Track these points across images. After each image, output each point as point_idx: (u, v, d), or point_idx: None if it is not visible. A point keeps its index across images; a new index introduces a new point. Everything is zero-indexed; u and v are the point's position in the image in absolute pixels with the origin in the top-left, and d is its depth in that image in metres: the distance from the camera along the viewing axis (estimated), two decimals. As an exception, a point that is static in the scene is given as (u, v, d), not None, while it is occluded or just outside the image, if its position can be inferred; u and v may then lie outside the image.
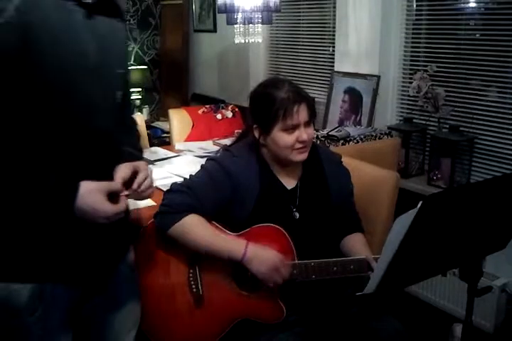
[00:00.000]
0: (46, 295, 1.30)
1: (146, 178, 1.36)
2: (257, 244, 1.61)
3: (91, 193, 1.22)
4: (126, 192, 1.31)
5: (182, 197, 1.66)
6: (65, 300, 1.35)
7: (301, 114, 1.64)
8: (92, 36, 1.25)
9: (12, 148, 1.19)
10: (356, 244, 1.79)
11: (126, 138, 1.47)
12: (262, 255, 1.59)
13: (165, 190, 1.74)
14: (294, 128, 1.64)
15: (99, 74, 1.28)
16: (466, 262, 1.32)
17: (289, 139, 1.65)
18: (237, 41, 3.05)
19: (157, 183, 2.39)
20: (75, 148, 1.27)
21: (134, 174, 1.35)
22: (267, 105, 1.66)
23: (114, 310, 1.51)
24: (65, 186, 1.22)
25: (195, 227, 1.63)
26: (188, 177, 1.76)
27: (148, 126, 4.50)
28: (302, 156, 1.69)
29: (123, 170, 1.32)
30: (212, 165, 1.74)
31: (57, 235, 1.27)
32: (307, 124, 1.67)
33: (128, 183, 1.33)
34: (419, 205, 1.03)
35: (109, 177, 1.30)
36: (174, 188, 1.70)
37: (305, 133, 1.65)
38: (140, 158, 1.48)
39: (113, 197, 1.27)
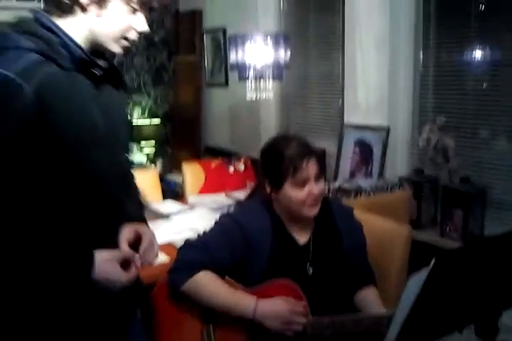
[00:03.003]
0: None
1: (149, 244, 1.37)
2: (269, 299, 1.60)
3: (105, 263, 1.23)
4: (138, 261, 1.32)
5: (195, 253, 1.67)
6: None
7: (311, 168, 1.67)
8: (98, 105, 1.30)
9: (27, 223, 1.20)
10: (369, 298, 1.78)
11: (130, 198, 1.48)
12: (273, 310, 1.57)
13: (178, 245, 1.76)
14: (305, 183, 1.67)
15: (107, 143, 1.31)
16: (482, 318, 1.31)
17: (301, 195, 1.67)
18: (249, 97, 3.12)
19: (170, 238, 2.41)
20: (86, 216, 1.28)
21: (137, 237, 1.36)
22: (277, 162, 1.69)
23: None
24: (80, 259, 1.23)
25: (207, 284, 1.63)
26: (201, 231, 1.78)
27: (161, 179, 4.54)
28: (314, 211, 1.71)
29: (126, 234, 1.33)
30: (225, 220, 1.76)
31: (72, 305, 1.27)
32: (317, 178, 1.69)
33: (131, 247, 1.34)
34: (431, 263, 1.03)
35: (114, 240, 1.31)
36: (187, 244, 1.72)
37: (316, 188, 1.68)
38: (142, 216, 1.50)
39: (125, 263, 1.29)
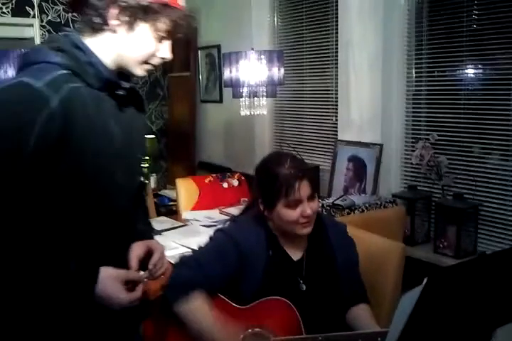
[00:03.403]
0: None
1: (160, 258, 1.41)
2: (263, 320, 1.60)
3: (109, 281, 1.26)
4: (145, 279, 1.35)
5: (189, 272, 1.67)
6: None
7: (303, 189, 1.67)
8: (117, 122, 1.34)
9: (35, 233, 1.23)
10: (362, 316, 1.78)
11: (139, 216, 1.53)
12: None
13: (172, 261, 1.76)
14: (297, 203, 1.68)
15: (123, 158, 1.35)
16: (475, 335, 1.31)
17: (293, 214, 1.68)
18: (242, 114, 3.14)
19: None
20: (95, 229, 1.32)
21: (148, 253, 1.39)
22: (270, 181, 1.70)
23: None
24: (85, 273, 1.25)
25: (195, 311, 1.62)
26: (195, 247, 1.78)
27: (155, 194, 4.54)
28: (307, 230, 1.72)
29: (137, 250, 1.37)
30: (219, 236, 1.76)
31: (73, 318, 1.29)
32: (310, 198, 1.70)
33: (142, 262, 1.37)
34: (424, 282, 1.03)
35: (124, 255, 1.34)
36: (182, 262, 1.72)
37: (309, 208, 1.68)
38: (151, 234, 1.55)
39: (130, 282, 1.31)
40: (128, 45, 1.30)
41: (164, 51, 1.34)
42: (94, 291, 1.23)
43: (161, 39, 1.32)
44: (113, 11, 1.25)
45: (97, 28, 1.28)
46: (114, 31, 1.28)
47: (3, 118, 1.16)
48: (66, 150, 1.20)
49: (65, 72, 1.23)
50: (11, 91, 1.19)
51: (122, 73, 1.36)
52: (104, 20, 1.27)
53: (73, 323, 1.30)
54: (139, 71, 1.36)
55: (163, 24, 1.29)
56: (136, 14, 1.26)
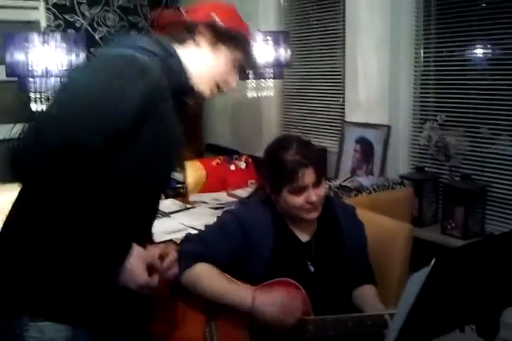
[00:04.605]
0: None
1: (173, 261, 1.44)
2: (266, 291, 1.62)
3: (137, 257, 1.30)
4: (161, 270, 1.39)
5: (193, 246, 1.70)
6: None
7: (308, 177, 1.67)
8: (173, 120, 1.45)
9: (91, 208, 1.28)
10: (368, 297, 1.79)
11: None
12: (271, 297, 1.59)
13: (179, 242, 1.78)
14: (302, 190, 1.67)
15: (175, 154, 1.49)
16: (483, 316, 1.31)
17: (298, 200, 1.68)
18: (249, 95, 3.13)
19: (171, 236, 2.41)
20: (137, 215, 1.42)
21: (161, 256, 1.43)
22: (275, 167, 1.71)
23: None
24: (122, 242, 1.31)
25: (204, 275, 1.65)
26: (203, 228, 1.80)
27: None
28: (313, 215, 1.72)
29: (153, 251, 1.40)
30: (226, 216, 1.79)
31: (98, 285, 1.36)
32: (316, 185, 1.69)
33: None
34: (432, 263, 1.04)
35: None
36: (188, 238, 1.76)
37: (314, 195, 1.68)
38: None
39: (150, 269, 1.35)
40: (207, 63, 1.41)
41: (232, 81, 1.47)
42: (124, 260, 1.28)
43: (234, 67, 1.43)
44: (203, 30, 1.38)
45: (182, 39, 1.40)
46: (199, 46, 1.39)
47: (113, 77, 1.26)
48: (149, 122, 1.30)
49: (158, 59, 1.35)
50: (121, 58, 1.29)
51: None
52: (193, 36, 1.39)
53: (97, 290, 1.36)
54: (208, 91, 1.46)
55: (239, 53, 1.41)
56: (222, 37, 1.38)
